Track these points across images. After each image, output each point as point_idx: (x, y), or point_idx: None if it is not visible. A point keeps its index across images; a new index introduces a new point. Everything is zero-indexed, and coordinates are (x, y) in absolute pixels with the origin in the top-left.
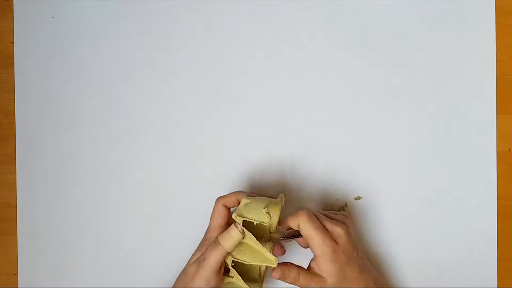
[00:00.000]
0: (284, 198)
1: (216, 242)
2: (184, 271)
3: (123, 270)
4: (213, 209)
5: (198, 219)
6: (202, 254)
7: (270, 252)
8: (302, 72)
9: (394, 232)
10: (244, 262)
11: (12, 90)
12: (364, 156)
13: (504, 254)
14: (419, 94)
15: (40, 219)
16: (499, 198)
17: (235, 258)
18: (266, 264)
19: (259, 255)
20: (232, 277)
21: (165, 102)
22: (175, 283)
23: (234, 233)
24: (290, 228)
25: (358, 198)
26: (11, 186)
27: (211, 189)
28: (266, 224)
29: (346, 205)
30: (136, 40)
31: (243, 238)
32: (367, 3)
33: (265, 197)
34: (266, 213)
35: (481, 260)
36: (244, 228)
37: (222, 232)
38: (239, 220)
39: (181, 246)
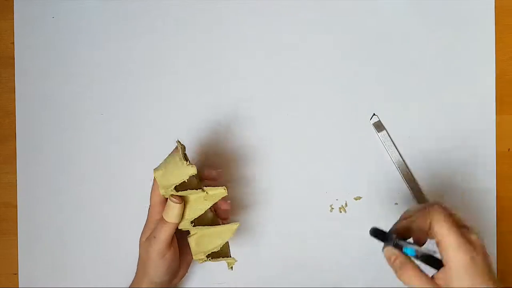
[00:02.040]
0: (180, 143)
1: (162, 220)
2: (139, 253)
3: (123, 270)
4: (152, 186)
5: None
6: (151, 232)
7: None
8: (302, 72)
9: None
10: (201, 212)
11: (12, 90)
12: (364, 156)
13: (504, 254)
14: (419, 94)
15: (40, 219)
16: (499, 198)
17: (189, 219)
18: (218, 200)
19: (205, 201)
20: (196, 233)
21: (165, 102)
22: (137, 266)
23: (172, 206)
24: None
25: (358, 198)
26: (11, 186)
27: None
28: (195, 173)
29: (346, 205)
30: (136, 40)
31: (183, 204)
32: (367, 3)
33: (165, 158)
34: (188, 165)
35: None
36: (177, 196)
37: (163, 206)
38: (170, 193)
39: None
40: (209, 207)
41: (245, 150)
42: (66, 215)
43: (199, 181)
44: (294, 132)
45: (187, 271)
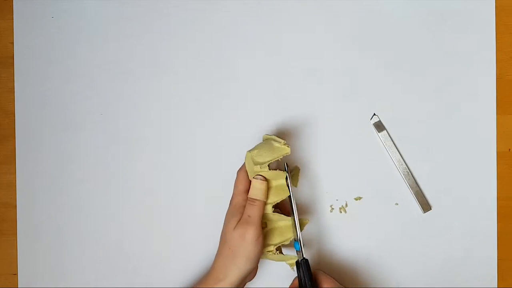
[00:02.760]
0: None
1: (250, 201)
2: (227, 241)
3: (123, 270)
4: (235, 179)
5: (198, 218)
6: (243, 215)
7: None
8: (302, 72)
9: (394, 232)
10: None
11: (11, 90)
12: (364, 156)
13: (504, 254)
14: (419, 94)
15: (40, 219)
16: (499, 198)
17: (271, 203)
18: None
19: (283, 186)
20: (266, 226)
21: (165, 102)
22: (217, 259)
23: (259, 183)
24: None
25: (358, 198)
26: (11, 186)
27: (212, 189)
28: (288, 154)
29: (346, 205)
30: (136, 40)
31: (267, 182)
32: (368, 3)
33: (262, 142)
34: (285, 144)
35: (481, 260)
36: (261, 175)
37: (246, 195)
38: (264, 169)
39: (181, 246)
40: (288, 194)
41: (243, 150)
42: (66, 215)
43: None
44: (294, 132)
45: (255, 276)
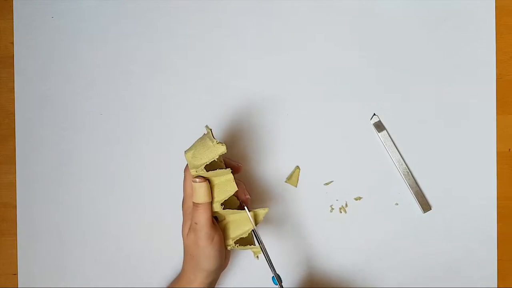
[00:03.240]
0: (208, 126)
1: (194, 206)
2: (185, 248)
3: (123, 270)
4: (183, 180)
5: None
6: (191, 222)
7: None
8: (302, 72)
9: (394, 232)
10: (229, 196)
11: (11, 90)
12: (364, 156)
13: (504, 254)
14: (419, 94)
15: (39, 220)
16: (499, 198)
17: (219, 201)
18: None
19: (229, 182)
20: (224, 219)
21: (165, 102)
22: (184, 262)
23: (198, 186)
24: None
25: (358, 198)
26: (11, 186)
27: None
28: (224, 152)
29: (346, 205)
30: (136, 40)
31: (208, 181)
32: (367, 3)
33: (195, 142)
34: (218, 143)
35: (481, 260)
36: (200, 176)
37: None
38: (200, 172)
39: (181, 246)
40: (236, 189)
41: (244, 150)
42: (66, 215)
43: (222, 160)
44: (294, 132)
45: (228, 261)
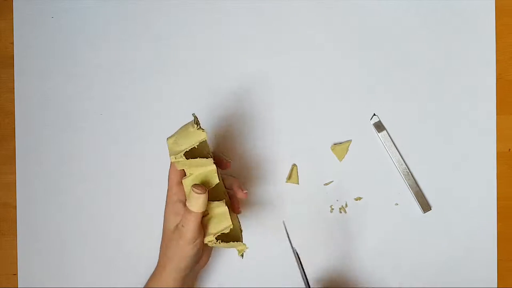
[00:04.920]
0: (195, 115)
1: (186, 210)
2: (165, 238)
3: (123, 270)
4: (169, 168)
5: None
6: (180, 221)
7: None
8: (302, 72)
9: (394, 232)
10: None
11: (11, 90)
12: (364, 156)
13: (504, 254)
14: (419, 94)
15: (39, 220)
16: (499, 198)
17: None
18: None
19: (211, 173)
20: (207, 214)
21: (165, 102)
22: (161, 248)
23: (197, 197)
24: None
25: (358, 198)
26: (11, 186)
27: None
28: (206, 139)
29: (346, 205)
30: (136, 40)
31: (207, 193)
32: (367, 3)
33: (182, 126)
34: (199, 129)
35: (481, 260)
36: (200, 186)
37: (181, 187)
38: (179, 159)
39: None
40: (217, 181)
41: (244, 150)
42: (66, 216)
43: (210, 152)
44: (294, 133)
45: (208, 260)
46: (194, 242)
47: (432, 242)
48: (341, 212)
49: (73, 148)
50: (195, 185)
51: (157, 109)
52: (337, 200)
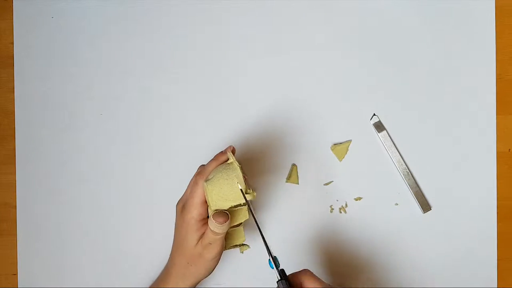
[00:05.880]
0: (231, 152)
1: (212, 233)
2: (186, 254)
3: (123, 270)
4: (193, 184)
5: None
6: (204, 238)
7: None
8: (302, 72)
9: (394, 232)
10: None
11: (11, 90)
12: (364, 156)
13: (504, 254)
14: (419, 94)
15: (40, 219)
16: (499, 198)
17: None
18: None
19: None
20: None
21: (165, 102)
22: (173, 264)
23: (219, 227)
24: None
25: (358, 198)
26: (11, 186)
27: None
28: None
29: (346, 205)
30: (136, 40)
31: (229, 221)
32: (367, 3)
33: (218, 172)
34: (250, 193)
35: (481, 260)
36: (223, 213)
37: (205, 206)
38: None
39: None
40: (247, 218)
41: (244, 150)
42: (66, 216)
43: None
44: (294, 133)
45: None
46: (218, 257)
47: (432, 242)
48: (341, 212)
49: (73, 148)
50: (217, 214)
51: (157, 109)
52: (337, 200)
